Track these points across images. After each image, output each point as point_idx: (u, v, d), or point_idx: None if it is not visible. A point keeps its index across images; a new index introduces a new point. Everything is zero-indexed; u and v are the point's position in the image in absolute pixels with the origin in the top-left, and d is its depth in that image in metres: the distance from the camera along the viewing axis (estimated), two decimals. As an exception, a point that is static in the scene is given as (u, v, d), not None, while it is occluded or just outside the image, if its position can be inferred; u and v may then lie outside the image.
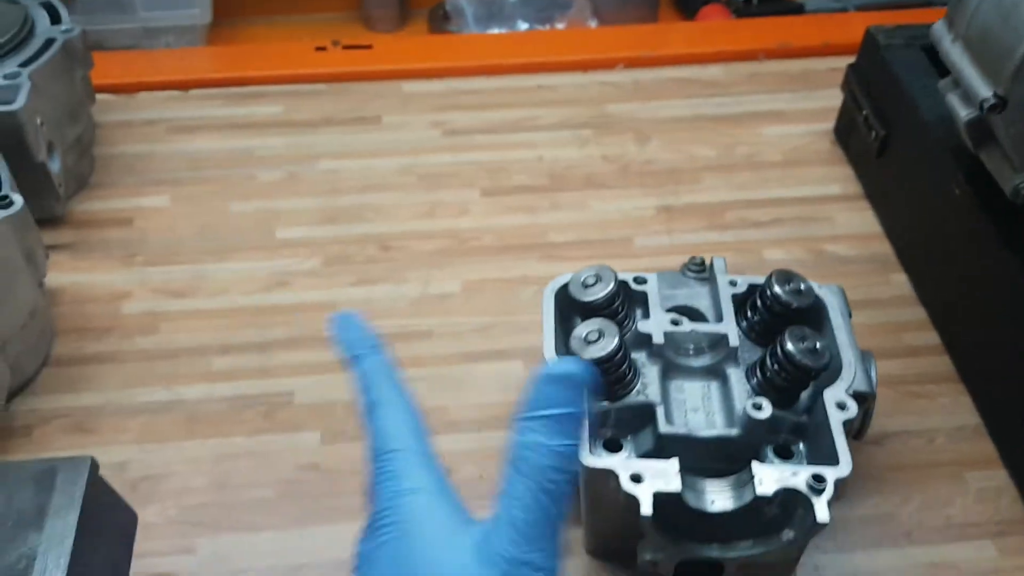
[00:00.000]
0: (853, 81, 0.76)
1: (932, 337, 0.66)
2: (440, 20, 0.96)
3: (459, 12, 0.94)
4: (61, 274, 0.69)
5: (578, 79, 0.87)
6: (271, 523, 0.56)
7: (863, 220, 0.74)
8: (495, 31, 0.96)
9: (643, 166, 0.79)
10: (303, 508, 0.56)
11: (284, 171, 0.78)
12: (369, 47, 0.88)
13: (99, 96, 0.81)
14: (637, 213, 0.75)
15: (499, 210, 0.75)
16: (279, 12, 1.00)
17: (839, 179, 0.77)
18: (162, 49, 0.90)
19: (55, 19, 0.70)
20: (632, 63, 0.88)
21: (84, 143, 0.74)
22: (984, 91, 0.50)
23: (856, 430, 0.56)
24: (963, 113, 0.55)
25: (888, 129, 0.71)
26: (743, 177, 0.78)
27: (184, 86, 0.85)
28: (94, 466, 0.47)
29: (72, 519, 0.44)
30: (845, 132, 0.79)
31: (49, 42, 0.68)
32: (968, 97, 0.53)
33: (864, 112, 0.74)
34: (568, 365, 0.36)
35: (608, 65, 0.88)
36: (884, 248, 0.72)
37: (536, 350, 0.64)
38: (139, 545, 0.51)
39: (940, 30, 0.56)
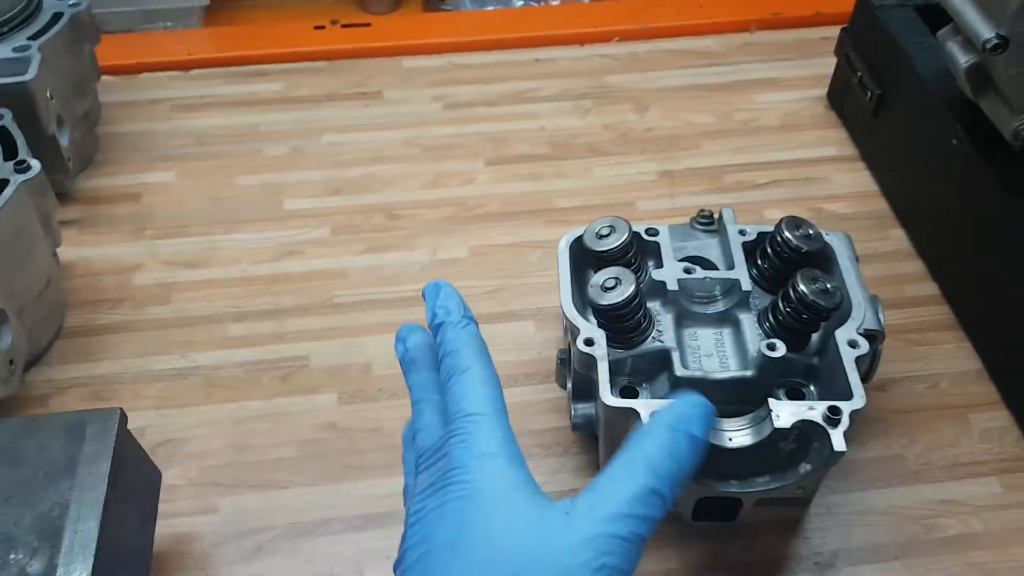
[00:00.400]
0: (847, 44, 0.77)
1: (931, 288, 0.67)
2: (435, 1, 0.97)
3: (454, -9, 0.96)
4: (70, 249, 0.69)
5: (575, 52, 0.88)
6: (292, 481, 0.56)
7: (859, 179, 0.75)
8: (491, 8, 0.97)
9: (643, 133, 0.80)
10: (323, 466, 0.57)
11: (289, 145, 0.79)
12: (368, 25, 0.89)
13: (104, 77, 0.81)
14: (640, 178, 0.76)
15: (504, 178, 0.76)
16: (274, -6, 1.00)
17: (834, 142, 0.79)
18: (162, 30, 0.90)
19: (61, -6, 0.71)
20: (627, 36, 0.89)
21: (91, 119, 0.75)
22: (986, 32, 0.52)
23: (865, 372, 0.57)
24: (963, 60, 0.57)
25: (883, 88, 0.72)
26: (741, 142, 0.79)
27: (185, 66, 0.86)
28: (123, 418, 0.47)
29: (104, 468, 0.45)
30: (839, 96, 0.80)
31: (57, 16, 0.68)
32: (968, 43, 0.55)
33: (859, 73, 0.75)
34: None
35: (605, 38, 0.89)
36: (881, 205, 0.73)
37: (546, 310, 0.66)
38: (162, 506, 0.52)
39: (938, -21, 0.57)
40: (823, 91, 0.83)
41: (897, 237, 0.71)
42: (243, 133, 0.80)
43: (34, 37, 0.66)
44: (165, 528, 0.54)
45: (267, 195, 0.74)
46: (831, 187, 0.75)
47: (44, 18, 0.68)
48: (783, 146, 0.79)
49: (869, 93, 0.74)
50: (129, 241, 0.70)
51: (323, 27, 0.89)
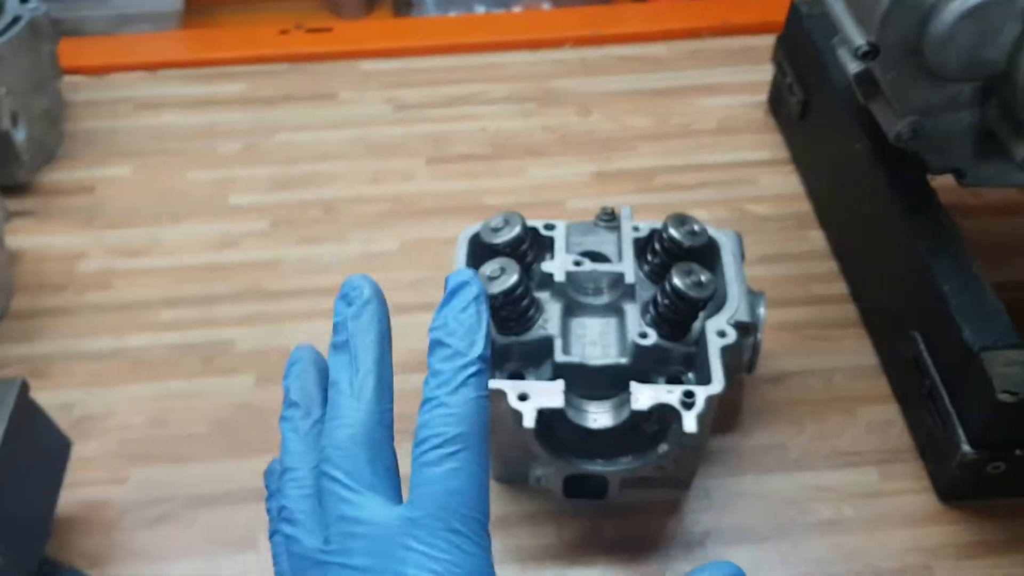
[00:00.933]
0: (781, 52, 0.79)
1: (841, 287, 0.69)
2: (403, 7, 1.01)
3: (420, -2, 0.99)
4: (24, 237, 0.74)
5: (527, 57, 0.91)
6: (200, 455, 0.60)
7: (787, 182, 0.77)
8: (453, 14, 1.01)
9: (583, 136, 0.83)
10: (232, 442, 0.61)
11: (242, 143, 0.83)
12: (329, 30, 0.93)
13: (72, 77, 0.87)
14: (572, 178, 0.79)
15: (441, 176, 0.79)
16: (249, 1, 1.05)
17: (769, 145, 0.81)
18: (133, 34, 0.95)
19: (23, 0, 0.75)
20: (580, 42, 0.92)
21: (52, 116, 0.79)
22: (858, 39, 0.54)
23: (748, 363, 0.59)
24: (852, 66, 0.59)
25: (807, 94, 0.74)
26: (676, 144, 0.81)
27: (152, 67, 0.90)
28: (24, 387, 0.51)
29: (-3, 430, 0.49)
30: (776, 101, 0.82)
31: (16, 19, 0.73)
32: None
33: (789, 79, 0.77)
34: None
35: (556, 44, 0.92)
36: (805, 207, 0.75)
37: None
38: (76, 475, 0.56)
39: (822, -14, 0.59)
40: (764, 97, 0.84)
41: (815, 238, 0.73)
42: (200, 131, 0.84)
43: (-9, 39, 0.70)
44: (77, 494, 0.57)
45: (215, 190, 0.78)
46: (758, 189, 0.77)
47: (4, 21, 0.72)
48: (717, 149, 0.81)
49: (796, 98, 0.76)
50: (78, 231, 0.75)
51: (287, 31, 0.93)
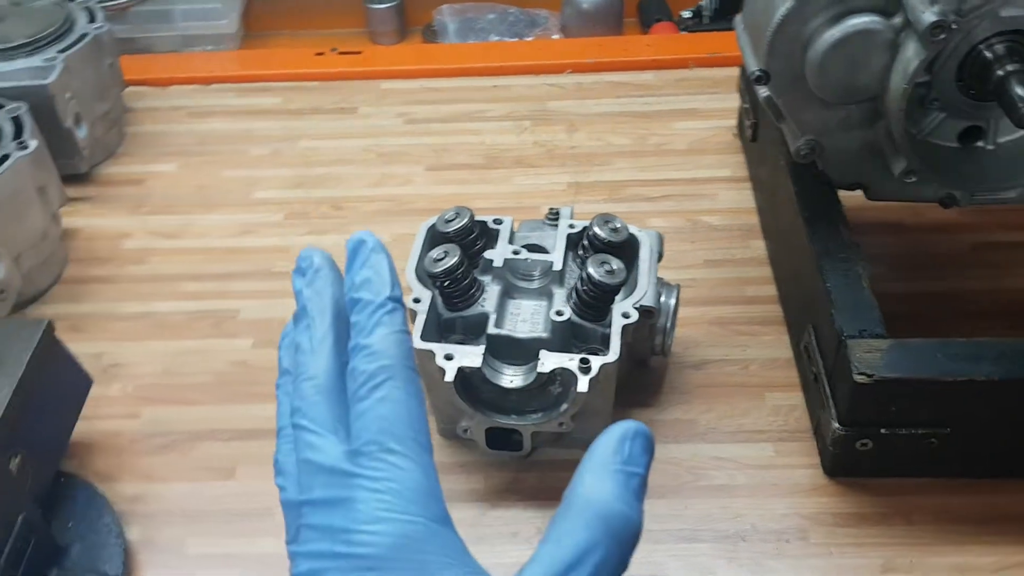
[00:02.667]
0: (742, 81, 0.88)
1: (771, 290, 0.77)
2: (430, 35, 1.13)
3: (443, 28, 1.11)
4: (81, 219, 0.87)
5: (529, 81, 1.02)
6: (201, 400, 0.72)
7: (741, 197, 0.86)
8: (471, 42, 1.12)
9: (567, 151, 0.93)
10: (229, 392, 0.72)
11: (271, 148, 0.95)
12: (359, 53, 1.05)
13: (137, 88, 1.01)
14: (550, 187, 0.89)
15: (437, 182, 0.90)
16: (299, 28, 1.18)
17: (731, 165, 0.89)
18: (193, 52, 1.09)
19: (92, 19, 0.89)
20: (579, 69, 1.02)
21: (112, 119, 0.93)
22: (753, 66, 0.63)
23: (660, 344, 0.68)
24: (760, 91, 0.67)
25: (757, 117, 0.83)
26: (649, 161, 0.90)
27: (206, 81, 1.04)
28: (49, 327, 0.63)
29: (16, 373, 0.59)
30: (740, 126, 0.91)
31: (83, 36, 0.87)
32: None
33: (746, 105, 0.86)
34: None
35: (559, 70, 1.02)
36: (752, 220, 0.83)
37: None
38: (98, 410, 0.68)
39: (737, 20, 0.68)
40: (734, 122, 0.93)
41: (757, 247, 0.81)
42: (238, 136, 0.97)
43: (62, 51, 0.84)
44: (98, 425, 0.69)
45: (242, 186, 0.91)
46: (715, 203, 0.85)
47: (73, 37, 0.86)
48: (685, 167, 0.90)
49: (749, 122, 0.84)
50: (126, 215, 0.88)
51: (322, 53, 1.05)
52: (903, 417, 0.59)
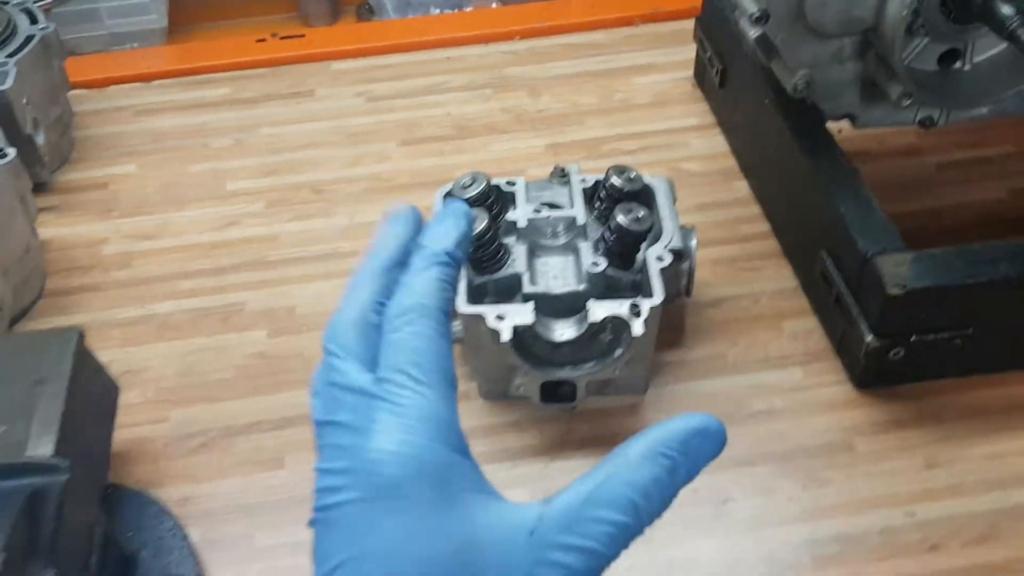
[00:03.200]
0: (700, 30, 0.91)
1: (763, 226, 0.80)
2: (366, 13, 1.11)
3: (380, 5, 1.10)
4: (50, 229, 0.83)
5: (481, 50, 1.02)
6: (229, 395, 0.70)
7: (714, 143, 0.89)
8: (411, 16, 1.11)
9: (535, 114, 0.94)
10: (255, 384, 0.71)
11: (232, 138, 0.93)
12: (302, 36, 1.03)
13: (76, 91, 0.96)
14: (529, 150, 0.90)
15: (413, 156, 0.90)
16: (227, 17, 1.15)
17: (696, 114, 0.92)
18: (128, 50, 1.04)
19: (33, 21, 0.85)
20: (528, 34, 1.03)
21: (64, 123, 0.89)
22: (752, 8, 0.65)
23: (685, 288, 0.70)
24: (751, 33, 0.70)
25: (725, 64, 0.86)
26: (618, 117, 0.93)
27: (147, 78, 1.00)
28: (82, 335, 0.61)
29: (66, 368, 0.58)
30: (700, 75, 0.94)
31: (30, 37, 0.82)
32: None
33: (708, 53, 0.89)
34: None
35: (507, 37, 1.03)
36: (730, 163, 0.87)
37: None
38: (122, 419, 0.65)
39: (724, -32, 0.71)
40: (691, 72, 0.96)
41: (741, 188, 0.84)
42: (194, 130, 0.94)
43: (11, 55, 0.80)
44: (125, 435, 0.67)
45: (213, 179, 0.88)
46: (690, 150, 0.89)
47: (19, 39, 0.82)
48: (653, 119, 0.92)
49: (716, 69, 0.87)
50: (97, 221, 0.84)
51: (264, 40, 1.03)
52: (930, 322, 0.63)
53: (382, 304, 0.36)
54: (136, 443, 0.67)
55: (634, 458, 0.33)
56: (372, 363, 0.34)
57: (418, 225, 0.39)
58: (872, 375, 0.67)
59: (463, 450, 0.33)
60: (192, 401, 0.70)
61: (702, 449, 0.33)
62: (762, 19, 0.65)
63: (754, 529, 0.60)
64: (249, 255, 0.81)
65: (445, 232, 0.38)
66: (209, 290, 0.78)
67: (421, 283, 0.36)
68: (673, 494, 0.33)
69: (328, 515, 0.31)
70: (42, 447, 0.54)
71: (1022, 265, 0.62)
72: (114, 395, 0.65)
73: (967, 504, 0.62)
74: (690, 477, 0.33)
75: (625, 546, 0.31)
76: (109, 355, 0.72)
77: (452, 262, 0.37)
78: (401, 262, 0.37)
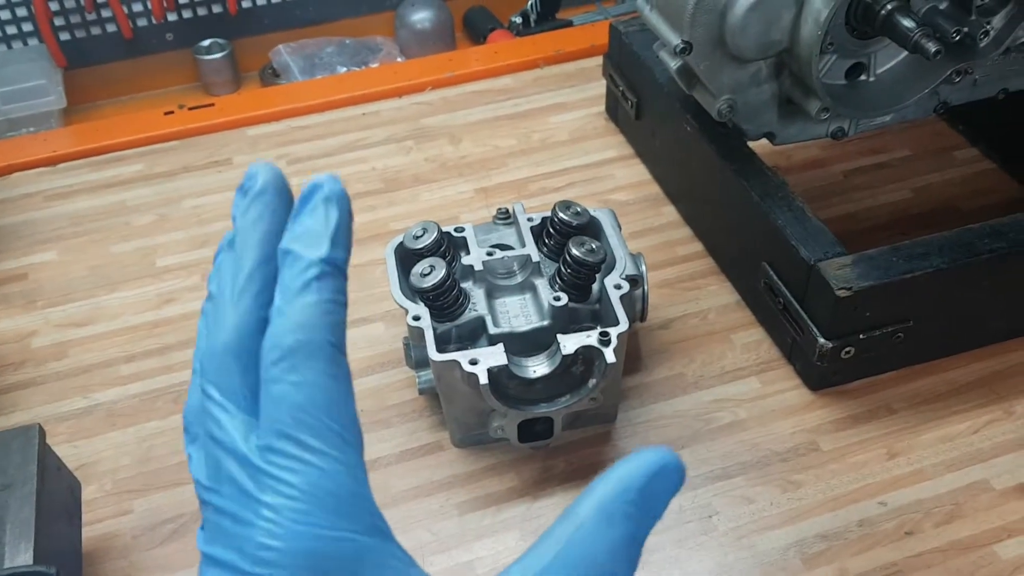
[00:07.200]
0: (609, 67, 0.94)
1: (697, 246, 0.83)
2: (270, 77, 1.11)
3: (285, 67, 1.09)
4: (-28, 327, 0.79)
5: (396, 103, 1.03)
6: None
7: (636, 172, 0.92)
8: (320, 76, 1.11)
9: (459, 161, 0.95)
10: (219, 461, 0.68)
11: (155, 214, 0.90)
12: (212, 105, 1.02)
13: (-25, 182, 0.92)
14: (459, 196, 0.91)
15: (344, 214, 0.89)
16: (126, 92, 1.12)
17: (614, 146, 0.95)
18: (26, 135, 1.01)
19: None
20: (438, 84, 1.05)
21: (-28, 216, 0.85)
22: (675, 40, 0.68)
23: (640, 312, 0.72)
24: (672, 64, 0.74)
25: (638, 96, 0.89)
26: (540, 156, 0.95)
27: (53, 161, 0.97)
28: (42, 432, 0.58)
29: (32, 469, 0.55)
30: (613, 109, 0.97)
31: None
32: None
33: (620, 88, 0.92)
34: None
35: (419, 88, 1.04)
36: (655, 189, 0.90)
37: (393, 312, 0.79)
38: (85, 515, 0.63)
39: (641, 3, 0.74)
40: (602, 107, 0.99)
41: (669, 212, 0.87)
42: (112, 210, 0.91)
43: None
44: (90, 532, 0.64)
45: (141, 257, 0.86)
46: (615, 181, 0.91)
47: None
48: (574, 155, 0.95)
49: (630, 102, 0.90)
50: (22, 313, 0.81)
51: (172, 112, 1.01)
52: (875, 319, 0.67)
53: (265, 321, 0.30)
54: (103, 539, 0.64)
55: (590, 523, 0.28)
56: (256, 405, 0.29)
57: (284, 196, 0.32)
58: (826, 376, 0.70)
59: (375, 529, 0.29)
60: (155, 488, 0.67)
61: (663, 490, 0.29)
62: (685, 50, 0.68)
63: (743, 538, 0.62)
64: (191, 331, 0.78)
65: (315, 229, 0.30)
66: (156, 371, 0.75)
67: (299, 311, 0.29)
68: (639, 553, 0.29)
69: None
70: (20, 556, 0.52)
71: (951, 256, 0.66)
72: (77, 492, 0.62)
73: (931, 487, 0.65)
74: (653, 525, 0.30)
75: None
76: (59, 452, 0.69)
77: (334, 270, 0.30)
78: (272, 258, 0.31)
